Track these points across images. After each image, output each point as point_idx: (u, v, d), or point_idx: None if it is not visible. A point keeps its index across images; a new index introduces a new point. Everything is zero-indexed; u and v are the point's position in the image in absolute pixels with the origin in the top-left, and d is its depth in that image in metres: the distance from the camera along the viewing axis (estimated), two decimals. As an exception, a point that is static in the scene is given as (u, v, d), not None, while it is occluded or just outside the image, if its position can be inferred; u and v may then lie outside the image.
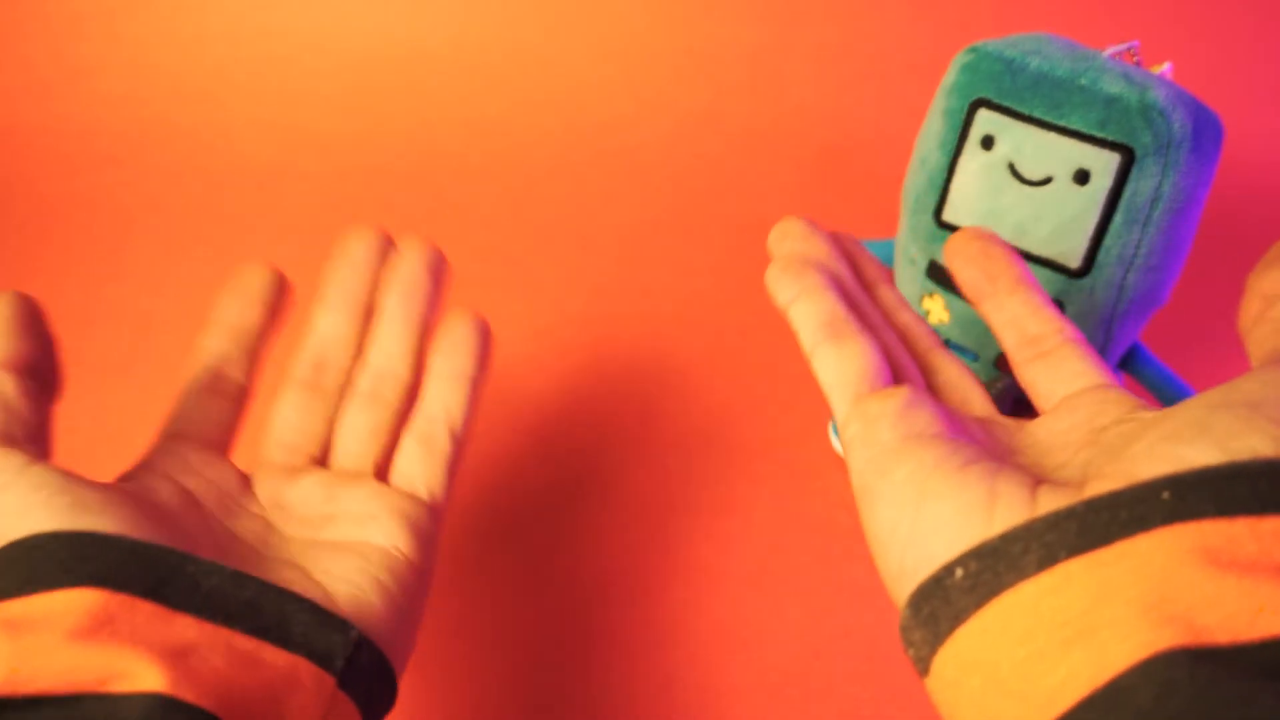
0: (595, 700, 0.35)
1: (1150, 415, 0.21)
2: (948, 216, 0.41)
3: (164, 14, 0.74)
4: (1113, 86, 0.37)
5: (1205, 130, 0.37)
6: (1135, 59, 0.40)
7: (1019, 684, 0.17)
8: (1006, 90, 0.39)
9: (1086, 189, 0.38)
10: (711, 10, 0.76)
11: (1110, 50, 0.39)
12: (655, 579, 0.39)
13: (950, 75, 0.41)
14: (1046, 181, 0.38)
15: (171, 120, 0.70)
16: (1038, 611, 0.18)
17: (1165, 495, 0.17)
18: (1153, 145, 0.36)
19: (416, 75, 0.74)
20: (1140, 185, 0.37)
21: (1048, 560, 0.18)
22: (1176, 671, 0.15)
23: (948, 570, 0.20)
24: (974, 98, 0.40)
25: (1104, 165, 0.37)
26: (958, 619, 0.19)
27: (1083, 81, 0.37)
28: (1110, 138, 0.37)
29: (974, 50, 0.40)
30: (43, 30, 0.73)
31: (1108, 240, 0.38)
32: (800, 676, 0.36)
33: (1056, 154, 0.38)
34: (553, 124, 0.71)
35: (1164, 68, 0.39)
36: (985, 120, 0.39)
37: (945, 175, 0.41)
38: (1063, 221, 0.38)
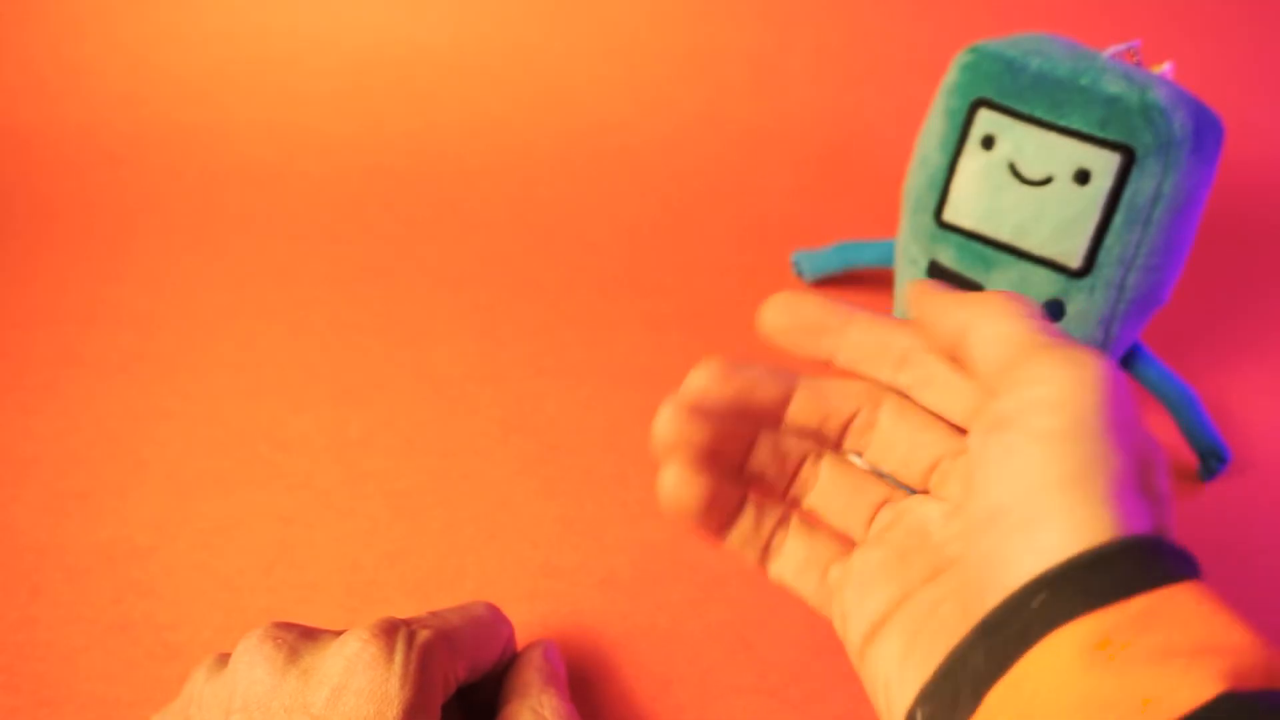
0: (596, 699, 0.35)
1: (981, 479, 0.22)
2: (948, 216, 0.42)
3: (164, 14, 0.74)
4: (1113, 86, 0.37)
5: (1206, 130, 0.37)
6: (1136, 59, 0.40)
7: None
8: (1007, 90, 0.39)
9: (1087, 189, 0.38)
10: (712, 11, 0.76)
11: (1111, 50, 0.39)
12: (656, 578, 0.39)
13: (951, 75, 0.41)
14: (1047, 181, 0.38)
15: (171, 120, 0.70)
16: None
17: (1038, 602, 0.19)
18: (1153, 145, 0.36)
19: (416, 75, 0.74)
20: (1141, 185, 0.37)
21: (974, 697, 0.20)
22: None
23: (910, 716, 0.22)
24: (975, 98, 0.40)
25: (1105, 165, 0.37)
26: None
27: (1083, 81, 0.37)
28: (1111, 138, 0.37)
29: (974, 50, 0.40)
30: (43, 30, 0.73)
31: (1108, 240, 0.38)
32: (801, 676, 0.36)
33: (1057, 154, 0.38)
34: (553, 124, 0.71)
35: (1164, 67, 0.39)
36: (986, 120, 0.39)
37: (946, 175, 0.41)
38: (1063, 221, 0.38)
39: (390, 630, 0.27)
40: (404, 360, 0.50)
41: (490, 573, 0.40)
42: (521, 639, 0.37)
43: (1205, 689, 0.17)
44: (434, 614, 0.30)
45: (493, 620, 0.31)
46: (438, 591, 0.39)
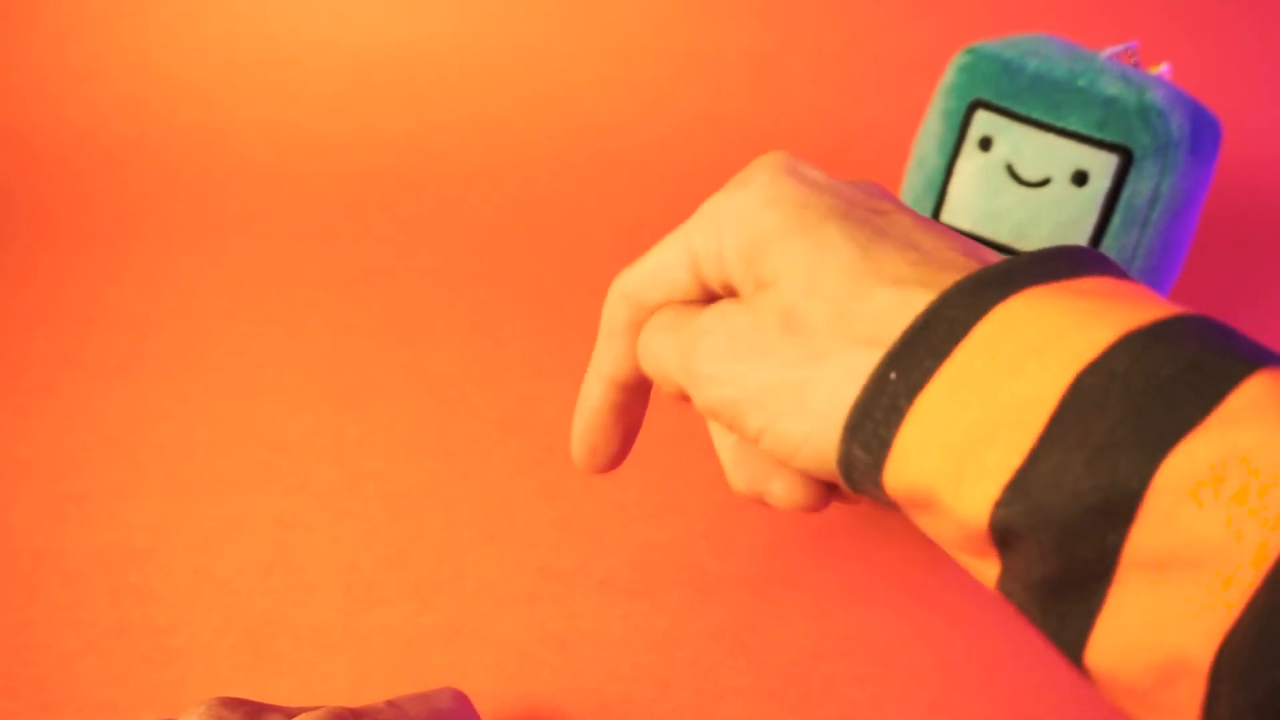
0: (596, 701, 0.35)
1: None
2: (946, 218, 0.42)
3: (164, 17, 0.74)
4: (1111, 87, 0.37)
5: (1203, 131, 0.37)
6: (1133, 60, 0.40)
7: (990, 396, 0.18)
8: (1005, 91, 0.39)
9: (1085, 190, 0.38)
10: (711, 12, 0.76)
11: (1108, 51, 0.39)
12: (655, 580, 0.39)
13: (948, 76, 0.41)
14: (1045, 183, 0.38)
15: (171, 122, 0.70)
16: (973, 370, 0.19)
17: (891, 380, 0.19)
18: (1151, 146, 0.36)
19: (416, 76, 0.74)
20: (1138, 186, 0.37)
21: (951, 339, 0.19)
22: (1138, 340, 0.17)
23: (878, 381, 0.20)
24: (972, 99, 0.40)
25: (1102, 166, 0.37)
26: (911, 394, 0.19)
27: (1081, 82, 0.37)
28: (1109, 139, 0.37)
29: (972, 51, 0.40)
30: (43, 33, 0.73)
31: (1106, 241, 0.38)
32: (800, 677, 0.36)
33: (1055, 155, 0.38)
34: (552, 125, 0.71)
35: (1162, 68, 0.39)
36: (983, 121, 0.39)
37: (943, 177, 0.41)
38: (1061, 223, 0.38)
39: None
40: (402, 362, 0.50)
41: (489, 574, 0.40)
42: (521, 640, 0.37)
43: (1109, 333, 0.17)
44: (391, 703, 0.28)
45: (455, 711, 0.29)
46: (436, 593, 0.39)
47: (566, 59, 0.75)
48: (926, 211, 0.42)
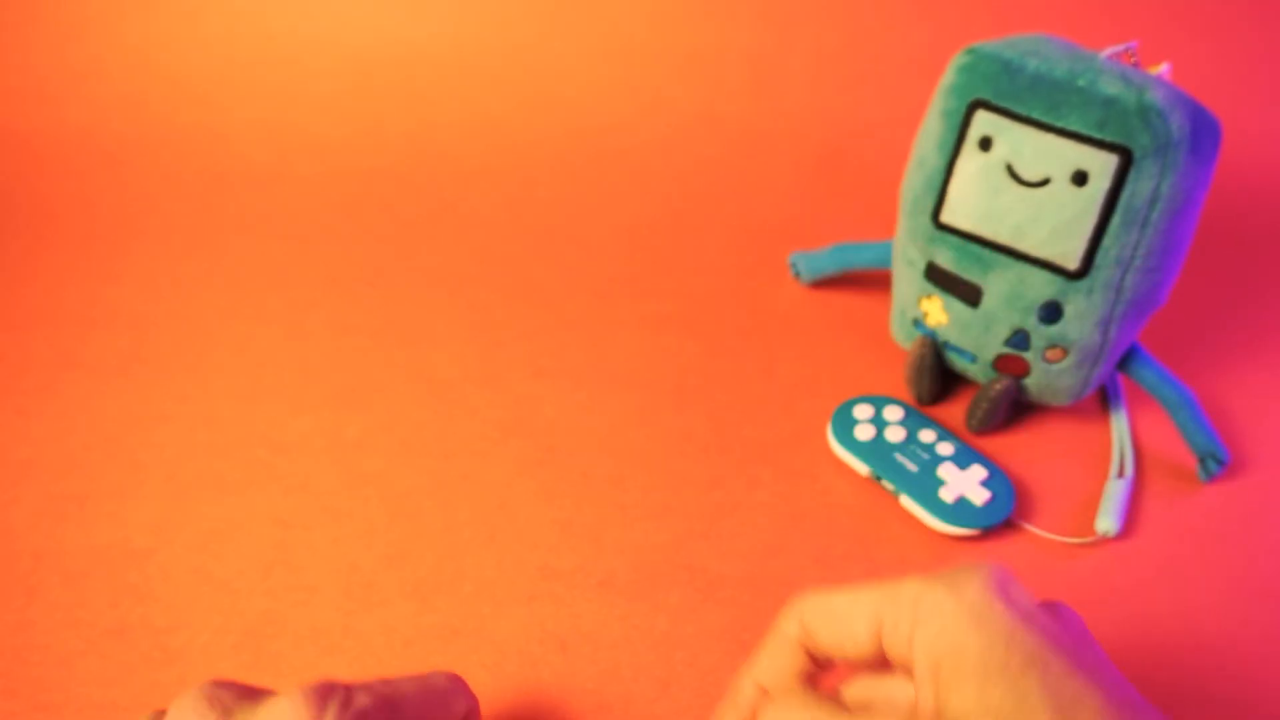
0: (596, 701, 0.35)
1: None
2: (946, 218, 0.41)
3: (164, 17, 0.74)
4: (1111, 87, 0.37)
5: (1203, 131, 0.37)
6: (1133, 60, 0.39)
7: None
8: (1004, 91, 0.39)
9: (1085, 190, 0.38)
10: (711, 12, 0.76)
11: (1108, 51, 0.39)
12: (655, 580, 0.39)
13: (948, 76, 0.41)
14: (1045, 183, 0.38)
15: (171, 122, 0.70)
16: None
17: None
18: (1151, 146, 0.36)
19: (415, 76, 0.74)
20: (1138, 186, 0.37)
21: None
22: None
23: None
24: (972, 99, 0.40)
25: (1102, 166, 0.37)
26: None
27: (1081, 82, 0.37)
28: (1108, 139, 0.37)
29: (972, 51, 0.40)
30: (43, 34, 0.73)
31: (1106, 241, 0.38)
32: (799, 678, 0.36)
33: (1055, 155, 0.38)
34: (552, 126, 0.71)
35: (1162, 68, 0.39)
36: (983, 121, 0.39)
37: (943, 176, 0.41)
38: (1061, 222, 0.38)
39: (326, 693, 0.26)
40: (402, 362, 0.50)
41: (488, 575, 0.40)
42: (521, 641, 0.37)
43: None
44: (385, 681, 0.29)
45: (448, 690, 0.30)
46: (436, 593, 0.39)
47: (566, 59, 0.75)
48: (926, 212, 0.42)
